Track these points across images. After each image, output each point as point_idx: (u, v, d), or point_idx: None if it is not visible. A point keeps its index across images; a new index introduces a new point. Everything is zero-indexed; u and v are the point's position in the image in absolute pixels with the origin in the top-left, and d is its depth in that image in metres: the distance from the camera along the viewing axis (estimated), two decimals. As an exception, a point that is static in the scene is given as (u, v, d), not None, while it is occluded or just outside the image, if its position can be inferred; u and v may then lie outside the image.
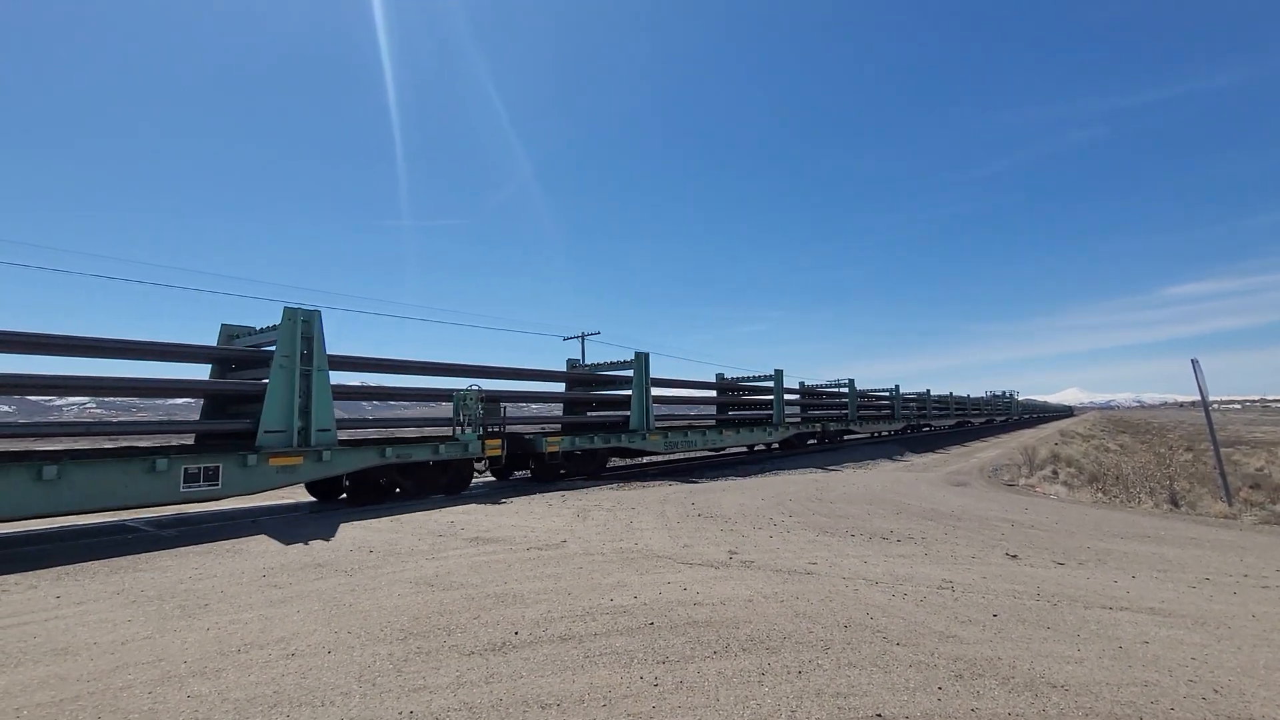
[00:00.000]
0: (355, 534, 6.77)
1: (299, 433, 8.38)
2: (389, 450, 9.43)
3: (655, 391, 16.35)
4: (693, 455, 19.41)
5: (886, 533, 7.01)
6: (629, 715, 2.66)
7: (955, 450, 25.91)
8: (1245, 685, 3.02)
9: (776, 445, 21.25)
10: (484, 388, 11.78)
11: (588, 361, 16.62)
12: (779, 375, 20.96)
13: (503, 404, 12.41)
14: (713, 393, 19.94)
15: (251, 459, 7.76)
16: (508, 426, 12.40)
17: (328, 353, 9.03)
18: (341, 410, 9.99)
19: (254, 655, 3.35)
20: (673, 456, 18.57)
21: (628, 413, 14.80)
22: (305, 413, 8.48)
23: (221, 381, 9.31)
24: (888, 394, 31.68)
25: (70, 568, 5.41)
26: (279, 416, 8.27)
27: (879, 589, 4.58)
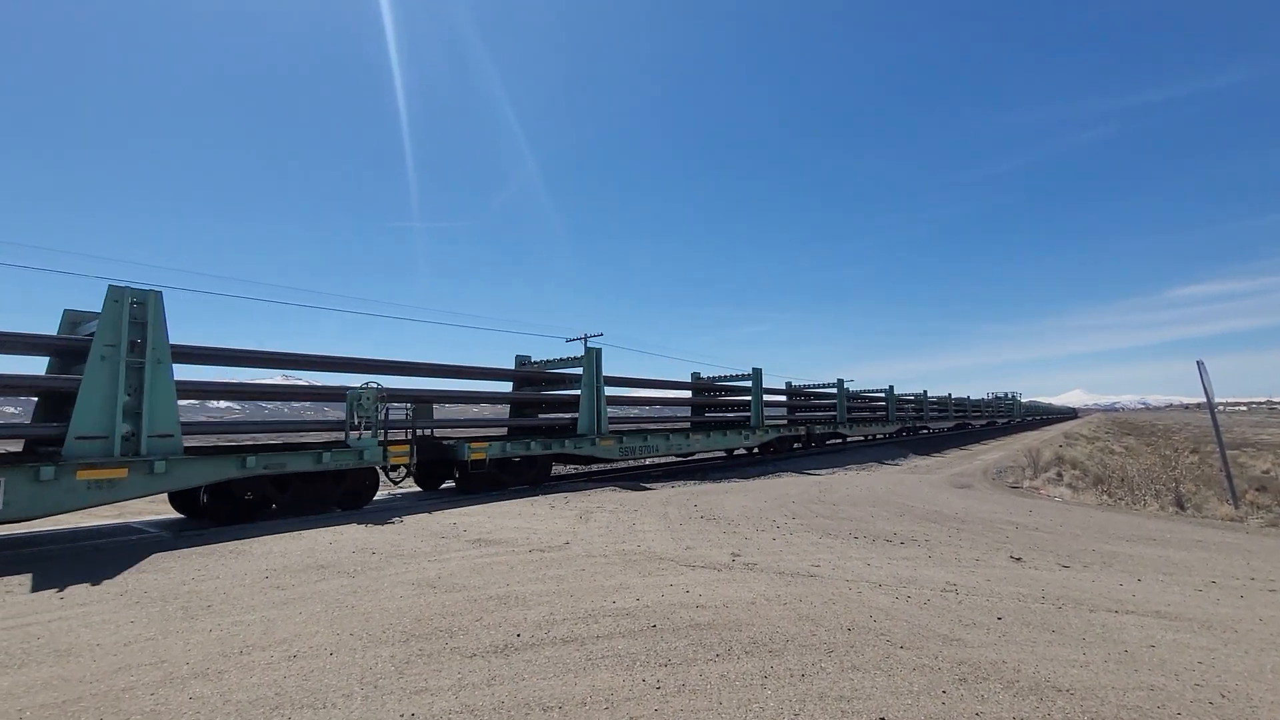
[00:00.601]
0: (358, 535, 6.77)
1: (124, 439, 6.99)
2: (251, 460, 7.93)
3: (621, 392, 15.42)
4: (659, 461, 18.01)
5: (890, 535, 6.98)
6: (631, 718, 2.65)
7: (958, 452, 25.83)
8: (1252, 690, 2.99)
9: (756, 450, 19.87)
10: (414, 387, 10.83)
11: (541, 359, 14.80)
12: (757, 374, 19.46)
13: (433, 405, 11.63)
14: (682, 393, 18.66)
15: (48, 472, 6.32)
16: (434, 430, 11.68)
17: (191, 344, 7.92)
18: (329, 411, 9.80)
19: (256, 657, 3.34)
20: (629, 464, 17.01)
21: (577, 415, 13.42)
22: (135, 415, 7.15)
23: (49, 378, 7.69)
24: (882, 395, 30.27)
25: (73, 569, 5.42)
26: (96, 419, 6.88)
27: (882, 592, 4.56)
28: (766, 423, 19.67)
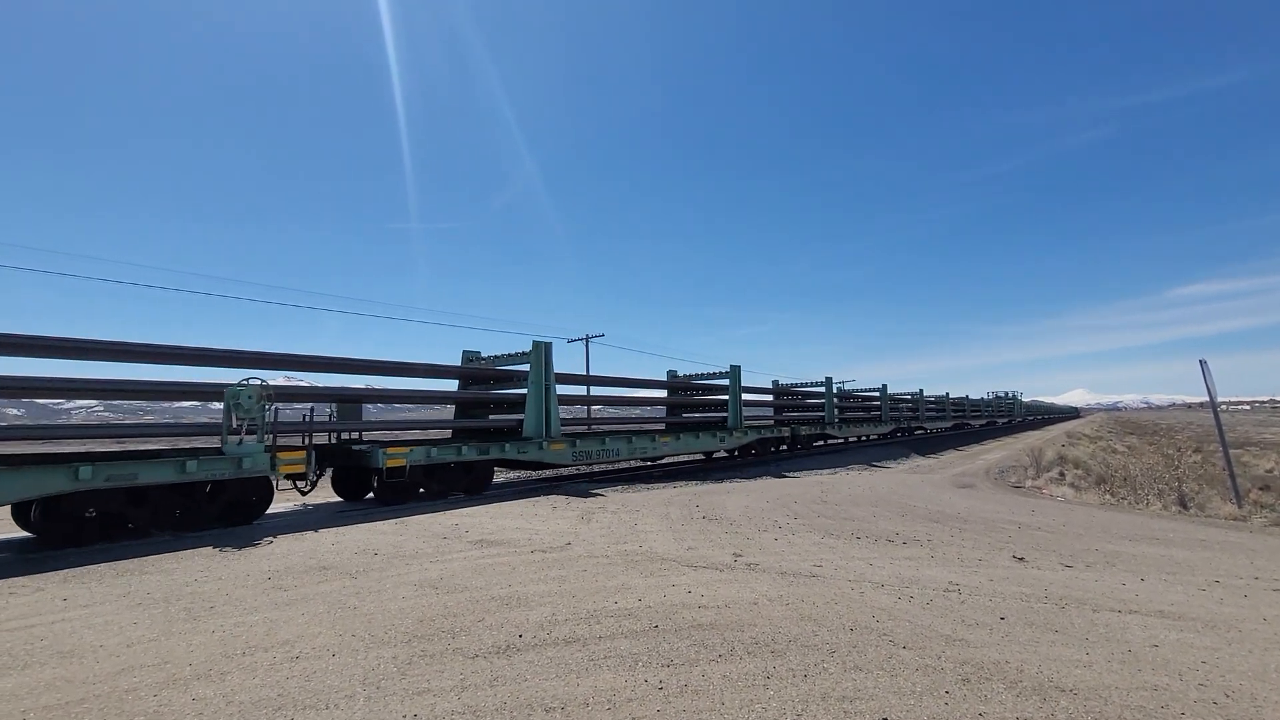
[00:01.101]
0: (360, 536, 6.78)
1: None
2: (87, 470, 6.62)
3: (577, 391, 14.54)
4: (620, 466, 16.61)
5: (892, 535, 6.98)
6: (633, 718, 2.65)
7: (960, 452, 25.80)
8: (1257, 690, 2.98)
9: (735, 453, 18.42)
10: (337, 385, 9.92)
11: (492, 354, 13.50)
12: (735, 372, 18.23)
13: (362, 406, 10.63)
14: (651, 392, 17.32)
15: None
16: (363, 434, 10.65)
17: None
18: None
19: (259, 658, 3.35)
20: (585, 469, 15.73)
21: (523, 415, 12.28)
22: None
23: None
24: (875, 394, 28.84)
25: (77, 570, 5.43)
26: None
27: (885, 592, 4.55)
28: (746, 424, 18.40)
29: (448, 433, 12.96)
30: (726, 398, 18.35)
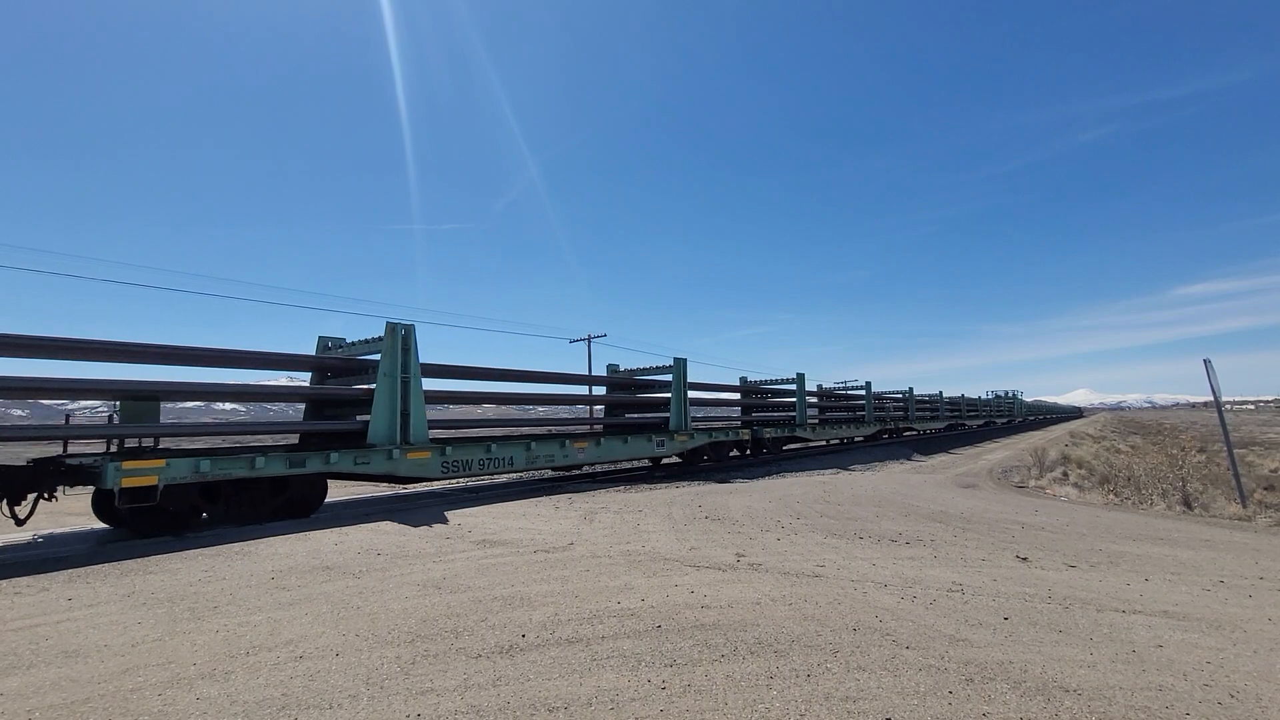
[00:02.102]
0: (363, 537, 6.79)
1: None
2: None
3: (463, 386, 12.16)
4: (509, 478, 14.22)
5: (895, 535, 6.97)
6: (636, 718, 2.65)
7: (963, 452, 25.73)
8: (1262, 690, 2.97)
9: (678, 458, 16.14)
10: (117, 376, 7.66)
11: (356, 339, 10.69)
12: (680, 366, 15.59)
13: (160, 404, 8.41)
14: (570, 388, 14.76)
15: None
16: (159, 439, 8.55)
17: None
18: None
19: (262, 658, 3.36)
20: (459, 483, 13.59)
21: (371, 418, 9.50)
22: None
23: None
24: (859, 392, 26.42)
25: (81, 570, 5.45)
26: None
27: (888, 592, 4.55)
28: (694, 426, 16.07)
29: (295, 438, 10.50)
30: (669, 395, 15.59)
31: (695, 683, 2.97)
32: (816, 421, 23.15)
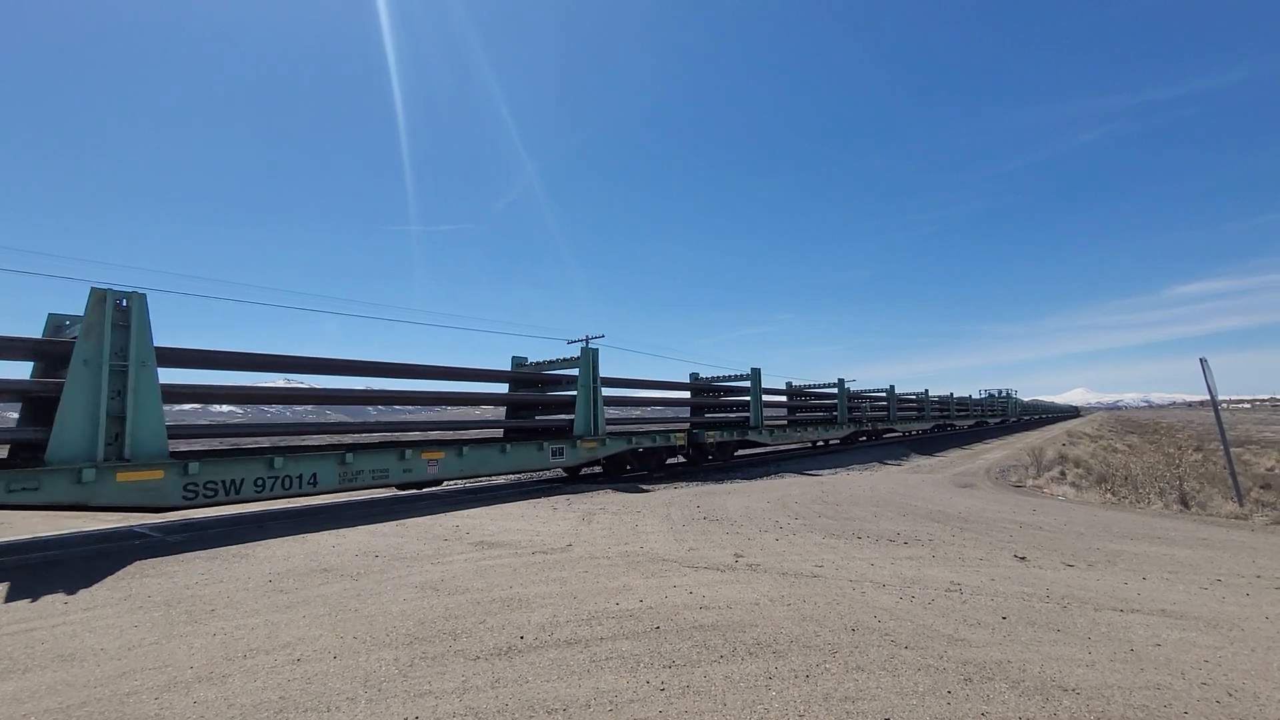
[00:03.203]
0: (361, 539, 6.77)
1: None
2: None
3: (242, 380, 9.29)
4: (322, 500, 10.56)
5: (893, 535, 6.97)
6: (635, 720, 2.64)
7: (961, 452, 25.79)
8: (1260, 688, 2.98)
9: (598, 468, 13.92)
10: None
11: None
12: (588, 358, 12.81)
13: None
14: (456, 385, 12.21)
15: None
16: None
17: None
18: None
19: (260, 661, 3.34)
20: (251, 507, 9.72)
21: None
22: None
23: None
24: (832, 391, 24.08)
25: (78, 573, 5.42)
26: None
27: (886, 592, 4.55)
28: (610, 429, 13.57)
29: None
30: (574, 394, 12.86)
31: (694, 684, 2.97)
32: (784, 423, 20.82)
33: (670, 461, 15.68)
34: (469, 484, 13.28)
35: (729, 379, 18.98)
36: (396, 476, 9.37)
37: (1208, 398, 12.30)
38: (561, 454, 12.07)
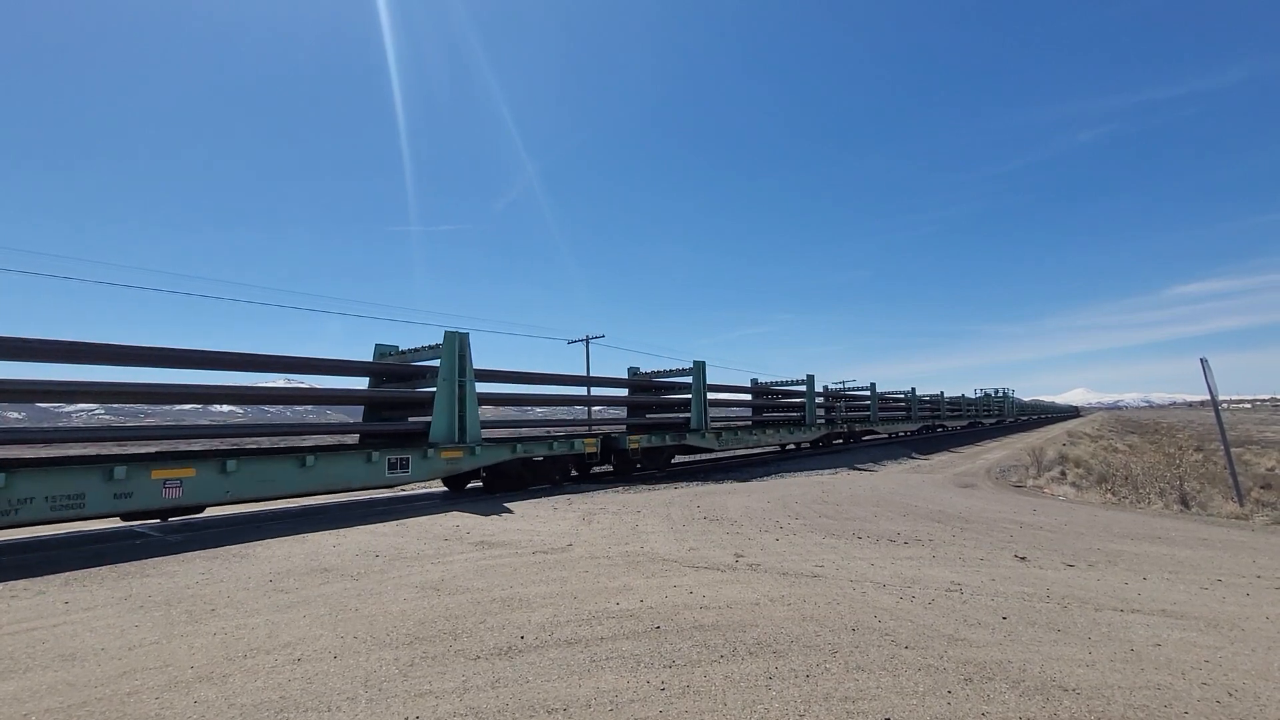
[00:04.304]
0: (361, 539, 6.78)
1: None
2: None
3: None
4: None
5: (894, 535, 6.97)
6: (636, 720, 2.64)
7: (961, 452, 25.79)
8: (1260, 688, 2.98)
9: (480, 480, 11.74)
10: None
11: None
12: (453, 342, 10.45)
13: None
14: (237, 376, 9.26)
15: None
16: None
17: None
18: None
19: (260, 660, 3.35)
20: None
21: None
22: None
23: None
24: (800, 389, 21.48)
25: (78, 573, 5.43)
26: None
27: (887, 592, 4.55)
28: (487, 438, 11.00)
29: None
30: (433, 390, 10.36)
31: (694, 684, 2.97)
32: (738, 426, 18.56)
33: (597, 470, 13.90)
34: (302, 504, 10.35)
35: (669, 374, 16.68)
36: (102, 505, 6.74)
37: (1208, 398, 12.29)
38: (406, 466, 9.46)
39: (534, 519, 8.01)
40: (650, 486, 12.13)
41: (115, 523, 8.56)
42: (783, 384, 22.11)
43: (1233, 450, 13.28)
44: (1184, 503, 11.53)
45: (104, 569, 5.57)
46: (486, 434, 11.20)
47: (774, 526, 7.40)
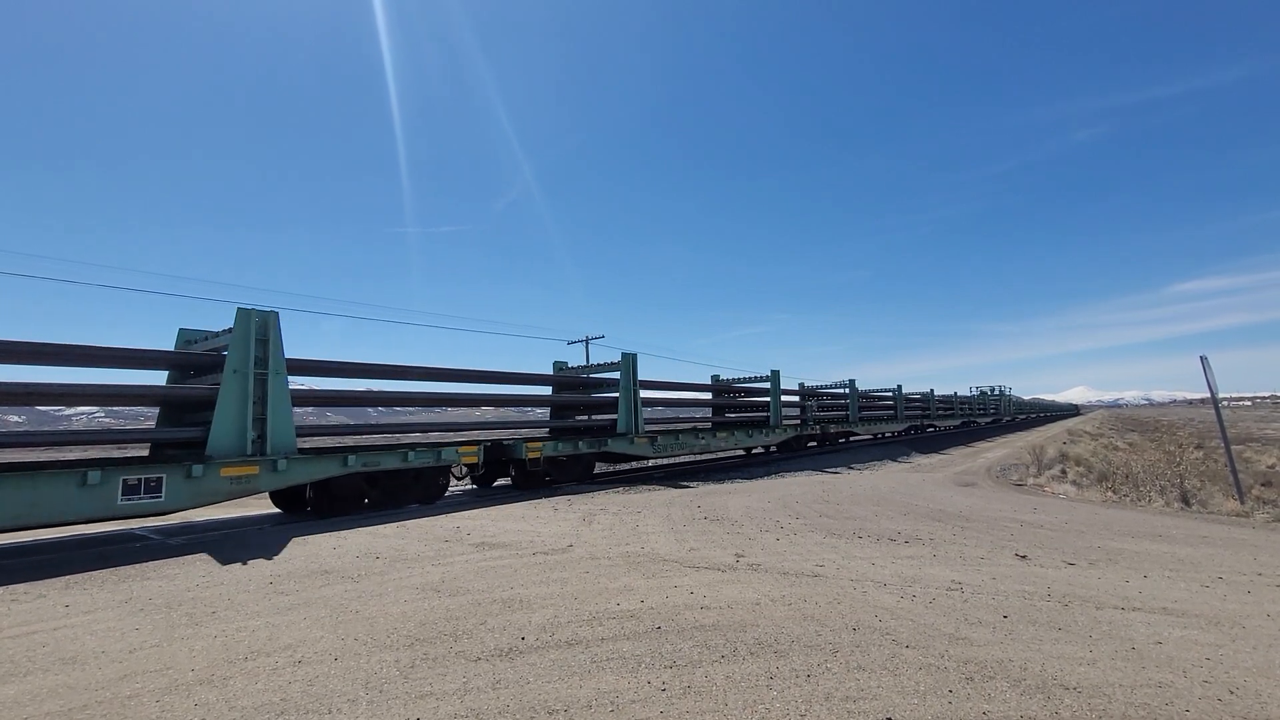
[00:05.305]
0: (361, 540, 6.77)
1: None
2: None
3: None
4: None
5: (894, 534, 6.97)
6: (637, 720, 2.64)
7: (962, 451, 25.80)
8: (1261, 686, 2.97)
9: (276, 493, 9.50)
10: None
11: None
12: (246, 323, 8.06)
13: None
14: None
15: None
16: None
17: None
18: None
19: (261, 663, 3.34)
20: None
21: None
22: None
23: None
24: (765, 386, 19.32)
25: (78, 576, 5.42)
26: None
27: (887, 591, 4.55)
28: (311, 448, 9.48)
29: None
30: (216, 388, 7.89)
31: (695, 684, 2.97)
32: (680, 429, 16.15)
33: (499, 483, 12.54)
34: None
35: (598, 368, 14.70)
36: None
37: (1208, 395, 12.29)
38: (158, 490, 7.04)
39: (534, 520, 8.01)
40: (651, 487, 12.13)
41: (116, 526, 8.56)
42: (744, 380, 19.92)
43: (1233, 448, 13.28)
44: (1184, 500, 11.53)
45: (104, 572, 5.56)
46: (358, 441, 10.61)
47: (775, 526, 7.40)
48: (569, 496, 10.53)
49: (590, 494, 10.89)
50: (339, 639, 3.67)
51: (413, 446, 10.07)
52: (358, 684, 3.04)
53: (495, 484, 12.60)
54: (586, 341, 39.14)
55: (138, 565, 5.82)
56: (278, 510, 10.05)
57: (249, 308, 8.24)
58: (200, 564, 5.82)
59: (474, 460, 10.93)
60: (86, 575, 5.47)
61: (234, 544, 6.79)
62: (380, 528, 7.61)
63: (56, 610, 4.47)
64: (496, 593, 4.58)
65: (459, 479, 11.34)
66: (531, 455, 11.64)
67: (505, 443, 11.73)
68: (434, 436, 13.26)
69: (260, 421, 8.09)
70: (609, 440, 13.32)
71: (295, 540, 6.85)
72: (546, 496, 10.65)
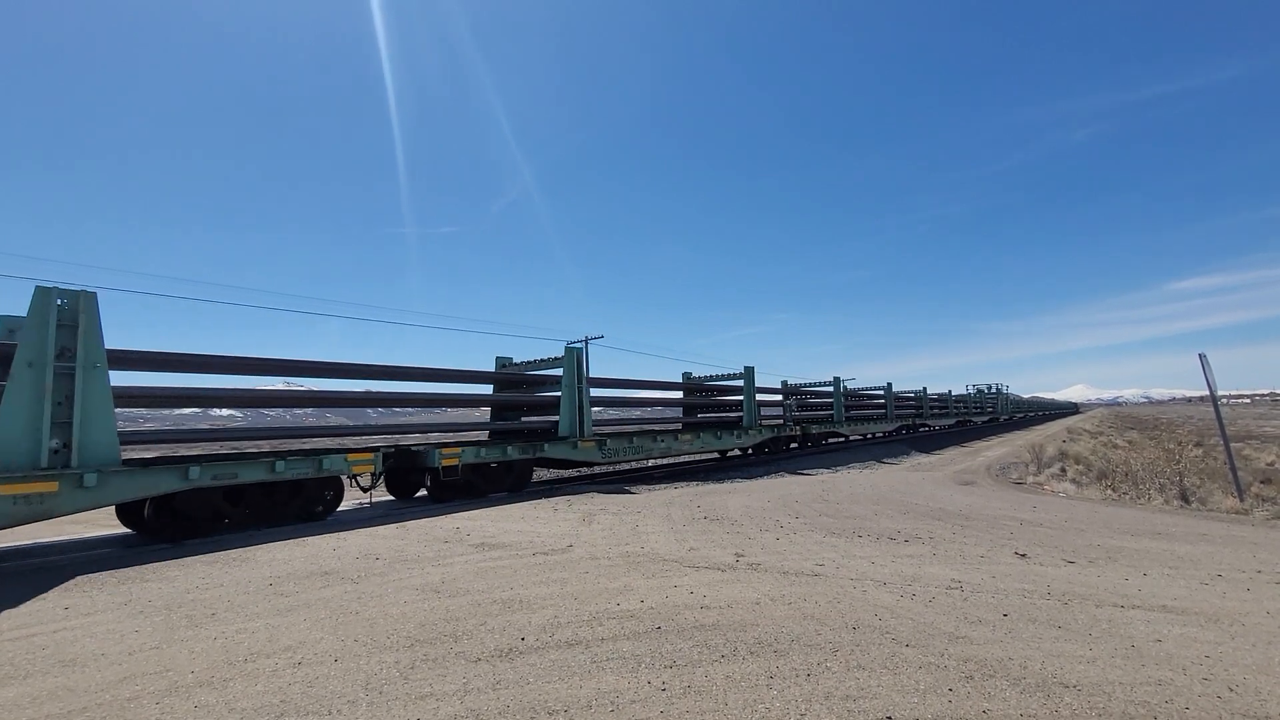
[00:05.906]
0: (361, 542, 6.77)
1: None
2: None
3: None
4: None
5: (894, 533, 6.97)
6: (637, 720, 2.64)
7: (961, 450, 25.82)
8: (1261, 683, 2.98)
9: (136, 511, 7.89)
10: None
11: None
12: (44, 305, 6.40)
13: None
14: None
15: None
16: None
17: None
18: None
19: (261, 664, 3.34)
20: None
21: None
22: None
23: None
24: (735, 384, 18.21)
25: (78, 578, 5.42)
26: None
27: (887, 590, 4.55)
28: (149, 458, 8.57)
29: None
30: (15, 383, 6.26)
31: (695, 684, 2.97)
32: (672, 429, 15.52)
33: (419, 494, 11.16)
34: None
35: (538, 365, 13.29)
36: None
37: (1208, 393, 12.31)
38: (88, 494, 6.42)
39: (534, 520, 8.01)
40: (650, 487, 12.13)
41: (116, 528, 8.55)
42: (716, 378, 18.50)
43: (1232, 445, 13.29)
44: (1184, 498, 11.54)
45: (104, 574, 5.56)
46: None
47: (774, 525, 7.40)
48: (569, 497, 10.53)
49: (590, 494, 10.89)
50: (339, 640, 3.67)
51: (282, 455, 8.48)
52: (358, 685, 3.03)
53: (417, 495, 11.21)
54: (586, 341, 39.13)
55: (137, 567, 5.81)
56: (128, 530, 8.23)
57: (50, 286, 6.58)
58: (200, 565, 5.81)
59: (369, 469, 9.32)
60: (86, 577, 5.46)
61: (233, 546, 6.77)
62: (380, 528, 7.61)
63: (56, 612, 4.46)
64: (496, 593, 4.58)
65: (365, 490, 9.87)
66: (447, 463, 9.97)
67: (415, 448, 10.23)
68: (327, 442, 11.67)
69: (64, 426, 6.48)
70: (546, 445, 11.83)
71: (294, 541, 6.85)
72: (546, 497, 10.64)
